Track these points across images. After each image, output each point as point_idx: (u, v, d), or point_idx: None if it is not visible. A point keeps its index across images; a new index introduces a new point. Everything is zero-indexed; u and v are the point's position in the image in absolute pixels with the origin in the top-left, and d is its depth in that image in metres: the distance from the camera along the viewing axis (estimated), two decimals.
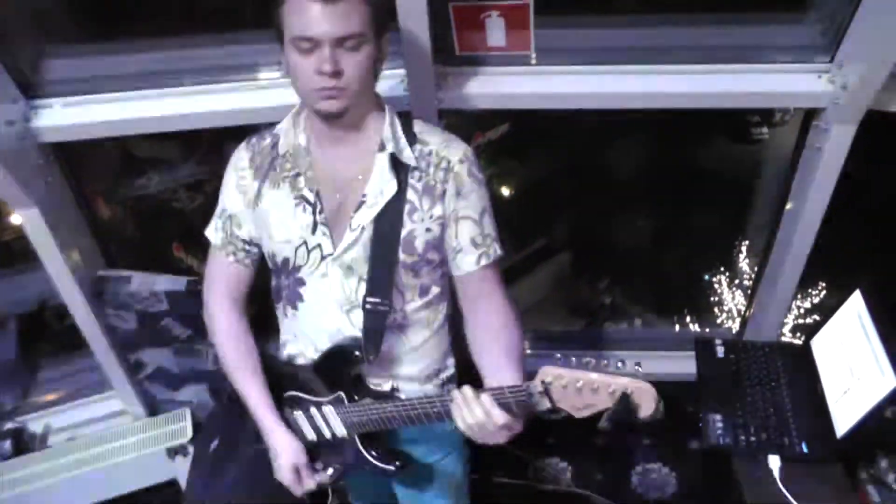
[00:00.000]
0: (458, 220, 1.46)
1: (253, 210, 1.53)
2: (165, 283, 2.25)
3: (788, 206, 2.09)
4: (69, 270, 2.11)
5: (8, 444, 2.50)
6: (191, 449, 2.48)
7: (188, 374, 2.49)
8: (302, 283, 1.53)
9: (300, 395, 1.58)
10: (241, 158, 1.55)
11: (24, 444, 2.56)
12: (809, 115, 1.95)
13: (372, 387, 1.56)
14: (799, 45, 1.88)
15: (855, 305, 1.77)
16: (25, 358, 2.81)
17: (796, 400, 1.80)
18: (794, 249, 2.07)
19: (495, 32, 1.80)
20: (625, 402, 1.13)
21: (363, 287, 1.48)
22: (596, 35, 1.96)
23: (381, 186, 1.43)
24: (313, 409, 1.56)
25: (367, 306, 1.47)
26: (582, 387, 1.17)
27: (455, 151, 1.45)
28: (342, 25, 1.28)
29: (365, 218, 1.44)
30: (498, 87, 1.90)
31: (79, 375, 2.71)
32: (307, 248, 1.49)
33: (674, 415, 1.76)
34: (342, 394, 1.53)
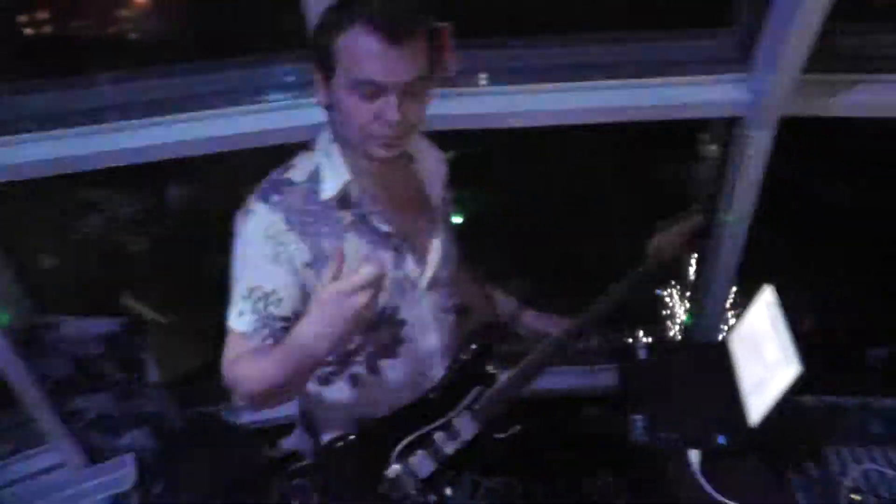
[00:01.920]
0: None
1: (318, 278, 1.29)
2: (100, 325, 2.19)
3: (718, 213, 2.14)
4: None
5: None
6: (135, 496, 2.39)
7: (129, 420, 2.41)
8: (402, 323, 1.44)
9: (418, 432, 1.51)
10: (273, 223, 1.28)
11: None
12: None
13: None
14: (715, 58, 1.94)
15: (766, 301, 1.82)
16: None
17: (714, 396, 1.84)
18: (725, 253, 2.13)
19: None
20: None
21: (446, 290, 1.52)
22: (519, 55, 1.99)
23: (436, 191, 1.50)
24: (438, 434, 1.53)
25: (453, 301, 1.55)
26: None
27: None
28: (411, 69, 1.21)
29: (442, 226, 1.50)
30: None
31: (13, 430, 2.60)
32: (398, 283, 1.41)
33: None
34: (479, 388, 1.56)
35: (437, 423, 1.53)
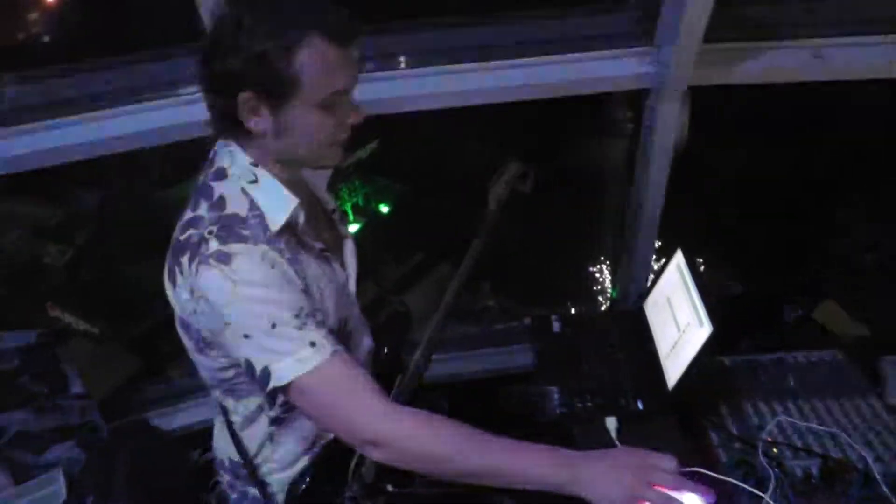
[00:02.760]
0: None
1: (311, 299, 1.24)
2: (13, 338, 2.10)
3: (634, 186, 2.19)
4: None
5: None
6: None
7: (53, 434, 2.33)
8: (353, 332, 1.45)
9: None
10: (264, 253, 1.17)
11: None
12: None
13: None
14: (621, 32, 1.99)
15: (676, 264, 1.86)
16: None
17: (631, 362, 1.87)
18: (644, 224, 2.19)
19: None
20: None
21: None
22: (430, 36, 2.00)
23: (325, 195, 1.48)
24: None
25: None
26: None
27: None
28: (358, 73, 1.20)
29: (345, 228, 1.48)
30: None
31: None
32: (343, 293, 1.39)
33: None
34: (399, 377, 1.46)
35: None
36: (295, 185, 1.30)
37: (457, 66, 1.93)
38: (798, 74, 1.93)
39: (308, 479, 1.43)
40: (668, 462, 1.05)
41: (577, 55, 1.96)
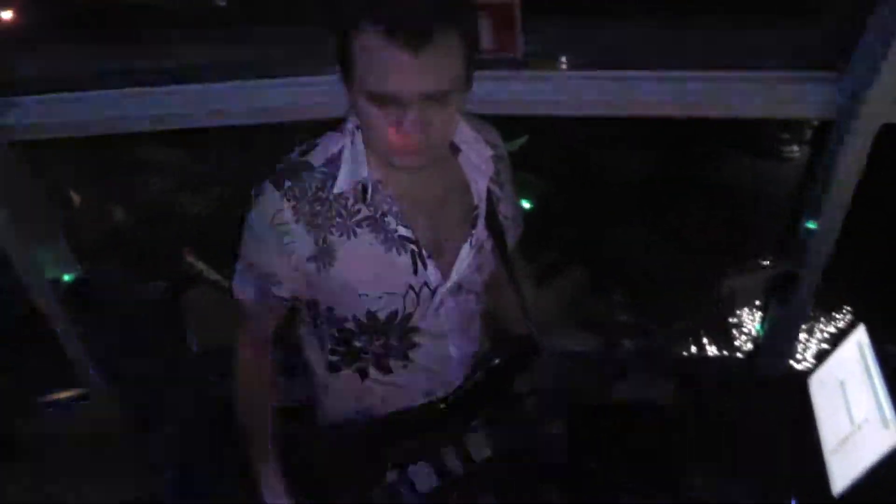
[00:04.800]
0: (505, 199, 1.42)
1: (325, 273, 1.23)
2: (147, 289, 2.20)
3: (804, 223, 1.95)
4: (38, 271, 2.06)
5: None
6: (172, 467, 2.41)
7: (174, 388, 2.42)
8: (415, 330, 1.34)
9: (423, 441, 1.41)
10: (280, 212, 1.19)
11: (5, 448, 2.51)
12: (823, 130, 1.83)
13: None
14: (809, 52, 1.78)
15: (858, 342, 1.59)
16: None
17: (789, 446, 1.65)
18: (809, 269, 1.94)
19: (482, 33, 1.70)
20: None
21: (474, 295, 1.39)
22: (593, 37, 1.86)
23: (480, 191, 1.33)
24: (446, 450, 1.41)
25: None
26: None
27: (495, 134, 1.40)
28: (435, 80, 1.02)
29: (483, 231, 1.34)
30: (485, 90, 1.80)
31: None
32: (415, 291, 1.29)
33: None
34: (498, 409, 1.44)
35: (448, 436, 1.42)
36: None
37: (620, 73, 1.78)
38: None
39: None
40: None
41: (754, 73, 1.76)
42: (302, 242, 1.20)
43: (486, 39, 1.70)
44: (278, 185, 1.19)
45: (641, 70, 1.78)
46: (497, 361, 1.43)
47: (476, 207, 1.33)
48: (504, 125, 1.50)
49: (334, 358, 1.38)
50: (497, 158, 1.36)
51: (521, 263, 1.62)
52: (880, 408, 1.42)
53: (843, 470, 1.45)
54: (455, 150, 1.29)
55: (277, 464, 1.42)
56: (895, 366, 1.46)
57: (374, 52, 1.00)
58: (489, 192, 1.34)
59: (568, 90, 1.80)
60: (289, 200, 1.19)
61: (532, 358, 1.46)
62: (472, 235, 1.33)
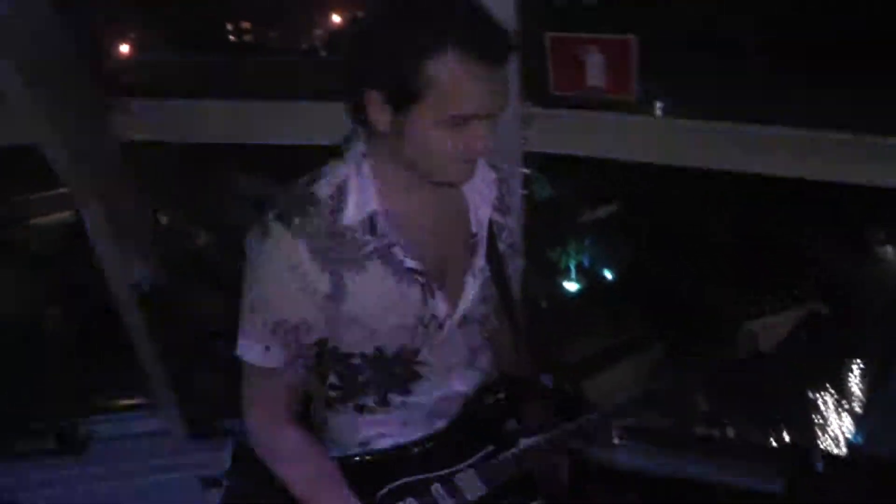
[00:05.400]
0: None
1: (336, 309, 1.19)
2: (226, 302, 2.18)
3: None
4: (123, 272, 2.08)
5: (52, 441, 2.48)
6: (225, 482, 2.35)
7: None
8: (421, 363, 1.30)
9: (414, 478, 1.34)
10: (295, 252, 1.15)
11: (66, 443, 2.52)
12: None
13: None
14: None
15: None
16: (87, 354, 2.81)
17: None
18: None
19: (594, 71, 1.63)
20: None
21: (478, 326, 1.35)
22: (716, 86, 1.77)
23: (480, 218, 1.29)
24: (435, 486, 1.33)
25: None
26: None
27: (496, 157, 1.34)
28: (505, 98, 1.08)
29: (481, 259, 1.29)
30: (593, 131, 1.73)
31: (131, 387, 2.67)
32: (423, 324, 1.25)
33: None
34: (493, 447, 1.37)
35: (437, 474, 1.33)
36: (419, 191, 1.20)
37: (736, 126, 1.70)
38: None
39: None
40: None
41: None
42: (319, 280, 1.16)
43: (598, 77, 1.63)
44: (287, 223, 1.14)
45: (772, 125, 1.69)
46: (493, 399, 1.38)
47: (475, 235, 1.29)
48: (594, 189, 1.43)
49: (334, 394, 1.33)
50: (500, 182, 1.33)
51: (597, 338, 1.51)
52: None
53: None
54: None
55: None
56: None
57: (462, 74, 1.01)
58: (491, 221, 1.31)
59: (683, 139, 1.72)
60: (302, 238, 1.14)
61: (531, 398, 1.41)
62: (472, 266, 1.28)
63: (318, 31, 10.46)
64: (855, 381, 6.01)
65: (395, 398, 1.30)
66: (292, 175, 1.21)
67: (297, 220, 1.14)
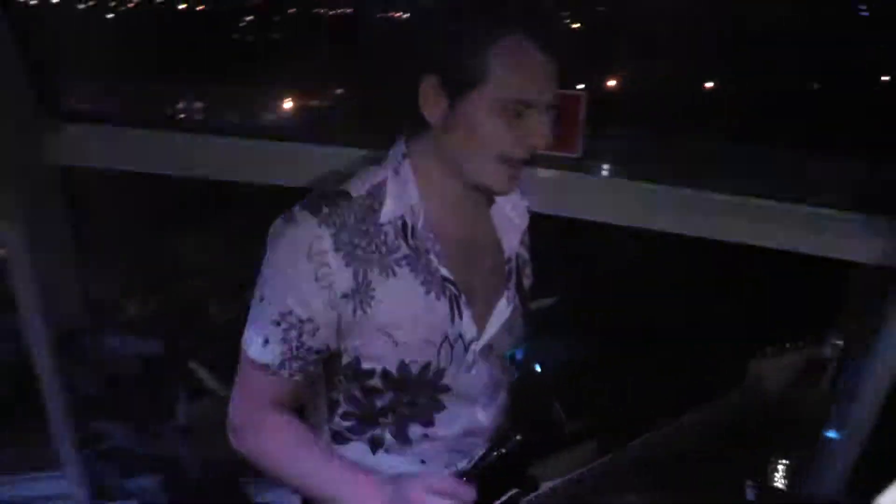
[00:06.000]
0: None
1: (358, 313, 1.11)
2: (142, 345, 2.06)
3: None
4: (40, 311, 1.93)
5: None
6: None
7: (145, 461, 2.21)
8: (445, 390, 1.21)
9: None
10: (318, 240, 1.08)
11: None
12: None
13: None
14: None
15: None
16: None
17: None
18: (862, 404, 1.77)
19: None
20: None
21: (502, 361, 1.27)
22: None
23: (511, 246, 1.26)
24: None
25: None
26: None
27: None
28: (556, 84, 1.08)
29: (513, 287, 1.25)
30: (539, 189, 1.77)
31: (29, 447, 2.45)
32: (450, 343, 1.18)
33: None
34: (515, 491, 1.25)
35: None
36: (456, 202, 1.17)
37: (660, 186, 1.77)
38: None
39: None
40: None
41: (811, 209, 1.73)
42: (340, 276, 1.09)
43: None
44: (315, 211, 1.09)
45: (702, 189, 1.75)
46: (518, 438, 1.26)
47: (509, 261, 1.27)
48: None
49: (347, 423, 1.22)
50: (529, 211, 1.33)
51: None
52: None
53: None
54: (490, 200, 1.25)
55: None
56: None
57: (525, 59, 1.03)
58: (517, 252, 1.28)
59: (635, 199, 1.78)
60: (328, 227, 1.08)
61: (554, 440, 1.33)
62: (508, 289, 1.25)
63: None
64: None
65: (416, 431, 1.21)
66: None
67: (325, 210, 1.09)
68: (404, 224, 1.13)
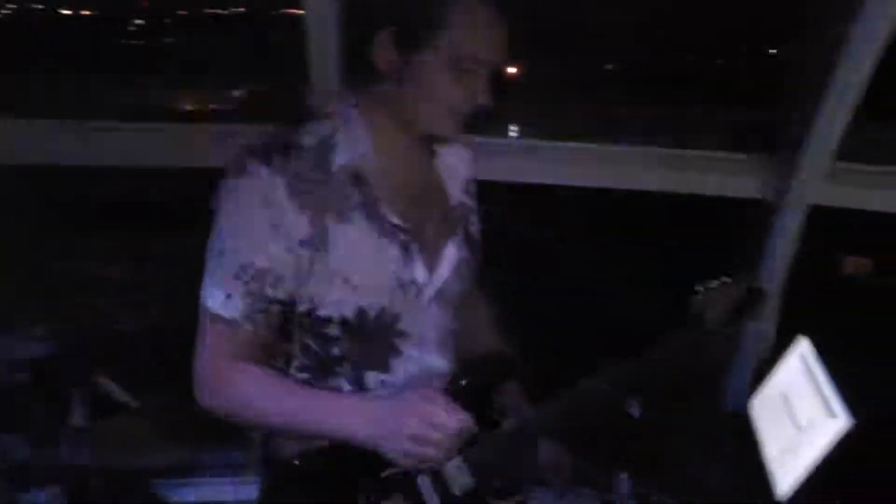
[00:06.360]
0: None
1: (315, 260, 1.12)
2: (31, 348, 1.96)
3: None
4: None
5: None
6: None
7: (43, 472, 2.11)
8: (401, 334, 1.23)
9: (398, 471, 1.20)
10: (274, 188, 1.09)
11: None
12: None
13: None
14: (748, 140, 1.89)
15: (801, 355, 1.64)
16: None
17: (732, 472, 1.63)
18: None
19: None
20: None
21: (451, 310, 1.28)
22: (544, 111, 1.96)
23: (456, 194, 1.29)
24: (422, 479, 1.21)
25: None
26: None
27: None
28: (506, 51, 1.13)
29: (461, 233, 1.27)
30: None
31: None
32: (404, 287, 1.20)
33: None
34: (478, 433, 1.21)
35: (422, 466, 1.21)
36: (403, 151, 1.20)
37: (564, 144, 1.87)
38: None
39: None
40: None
41: (697, 152, 1.86)
42: (296, 223, 1.10)
43: None
44: (266, 161, 1.09)
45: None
46: (472, 380, 1.29)
47: (455, 208, 1.30)
48: None
49: (303, 375, 1.21)
50: (474, 162, 1.35)
51: None
52: (826, 404, 1.44)
53: (788, 473, 1.44)
54: (433, 150, 1.27)
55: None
56: (837, 363, 1.51)
57: (479, 18, 1.07)
58: (461, 200, 1.31)
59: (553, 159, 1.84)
60: (281, 176, 1.08)
61: (510, 378, 1.34)
62: (457, 235, 1.27)
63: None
64: None
65: (373, 378, 1.21)
66: None
67: (278, 159, 1.09)
68: (356, 173, 1.15)
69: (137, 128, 1.88)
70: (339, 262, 1.12)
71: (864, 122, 1.71)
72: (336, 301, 1.14)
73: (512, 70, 1.58)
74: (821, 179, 1.68)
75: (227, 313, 1.10)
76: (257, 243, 1.09)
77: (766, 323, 1.88)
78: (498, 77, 1.14)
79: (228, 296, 1.10)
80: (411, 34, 1.07)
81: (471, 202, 1.35)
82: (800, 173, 1.68)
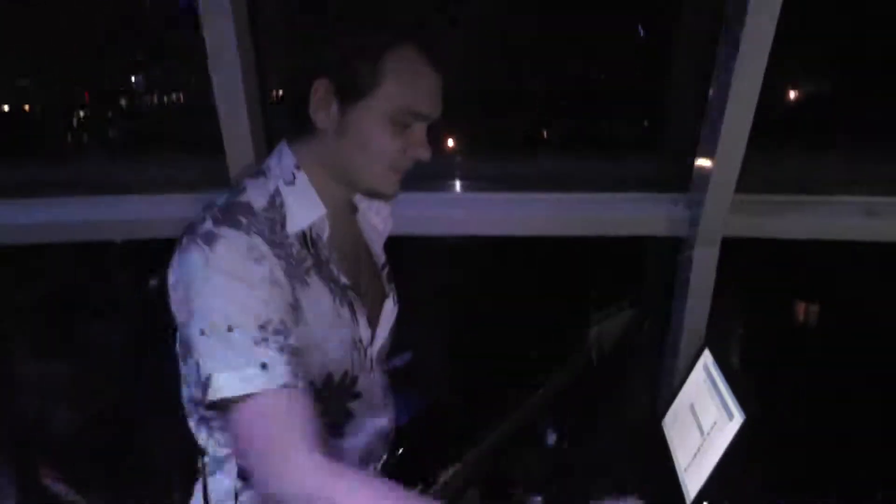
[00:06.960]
0: None
1: (295, 321, 1.06)
2: None
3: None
4: None
5: None
6: None
7: None
8: (356, 396, 1.20)
9: None
10: (255, 243, 1.03)
11: None
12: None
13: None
14: (656, 180, 2.00)
15: (704, 364, 1.70)
16: None
17: (646, 485, 1.64)
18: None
19: None
20: None
21: (383, 368, 1.29)
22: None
23: (378, 249, 1.31)
24: None
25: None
26: None
27: None
28: (441, 105, 1.13)
29: (393, 290, 1.29)
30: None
31: None
32: (356, 346, 1.17)
33: None
34: (420, 486, 1.25)
35: None
36: (339, 210, 1.20)
37: (486, 195, 1.98)
38: (846, 232, 1.87)
39: None
40: None
41: (613, 195, 1.98)
42: (284, 283, 1.06)
43: None
44: (235, 224, 1.02)
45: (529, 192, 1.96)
46: (409, 445, 1.34)
47: (384, 266, 1.31)
48: None
49: None
50: (390, 218, 1.37)
51: None
52: (725, 407, 1.48)
53: (696, 478, 1.47)
54: (353, 208, 1.29)
55: None
56: (733, 368, 1.55)
57: (417, 71, 1.06)
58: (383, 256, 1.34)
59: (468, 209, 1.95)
60: (257, 234, 1.04)
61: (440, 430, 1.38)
62: (392, 290, 1.29)
63: None
64: None
65: (328, 443, 1.17)
66: None
67: (243, 220, 1.03)
68: (307, 234, 1.12)
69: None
70: (310, 328, 1.09)
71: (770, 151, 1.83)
72: (307, 369, 1.08)
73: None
74: (726, 212, 1.80)
75: (273, 383, 0.96)
76: (265, 298, 1.00)
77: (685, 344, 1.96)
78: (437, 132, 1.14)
79: (263, 365, 0.97)
80: (354, 84, 1.05)
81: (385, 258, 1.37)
82: (706, 209, 1.80)
